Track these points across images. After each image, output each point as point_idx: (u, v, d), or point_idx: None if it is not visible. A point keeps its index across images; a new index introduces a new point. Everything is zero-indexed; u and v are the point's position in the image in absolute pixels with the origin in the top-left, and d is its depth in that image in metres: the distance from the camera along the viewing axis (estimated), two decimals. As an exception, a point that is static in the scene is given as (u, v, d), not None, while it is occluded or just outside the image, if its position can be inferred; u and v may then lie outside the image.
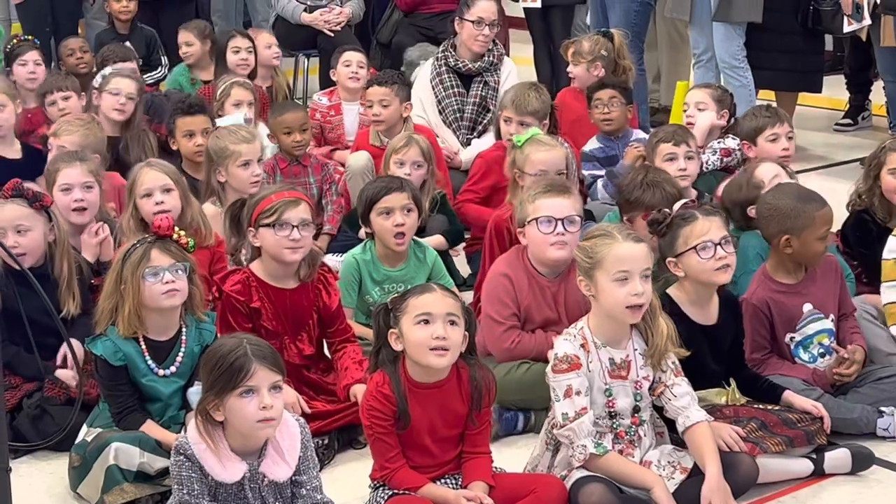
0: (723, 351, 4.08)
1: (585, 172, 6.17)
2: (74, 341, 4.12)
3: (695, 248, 3.94)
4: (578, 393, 3.66)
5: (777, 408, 4.03)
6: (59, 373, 4.29)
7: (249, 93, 6.37)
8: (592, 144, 6.24)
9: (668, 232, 4.01)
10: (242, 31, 7.44)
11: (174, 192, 4.75)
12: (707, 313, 4.04)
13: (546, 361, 3.85)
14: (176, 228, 3.99)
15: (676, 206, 4.13)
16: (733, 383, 4.12)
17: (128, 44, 8.01)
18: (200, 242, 4.68)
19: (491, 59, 6.90)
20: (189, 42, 7.60)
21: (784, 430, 3.92)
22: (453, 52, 6.89)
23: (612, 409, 3.72)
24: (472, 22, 6.84)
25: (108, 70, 6.36)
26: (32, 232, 4.35)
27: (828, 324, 4.32)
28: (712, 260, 3.94)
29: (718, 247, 3.94)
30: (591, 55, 6.57)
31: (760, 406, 4.03)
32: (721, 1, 7.08)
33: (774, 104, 7.57)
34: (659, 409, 3.83)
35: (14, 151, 5.90)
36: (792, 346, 4.30)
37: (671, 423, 3.81)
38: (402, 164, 5.46)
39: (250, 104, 6.31)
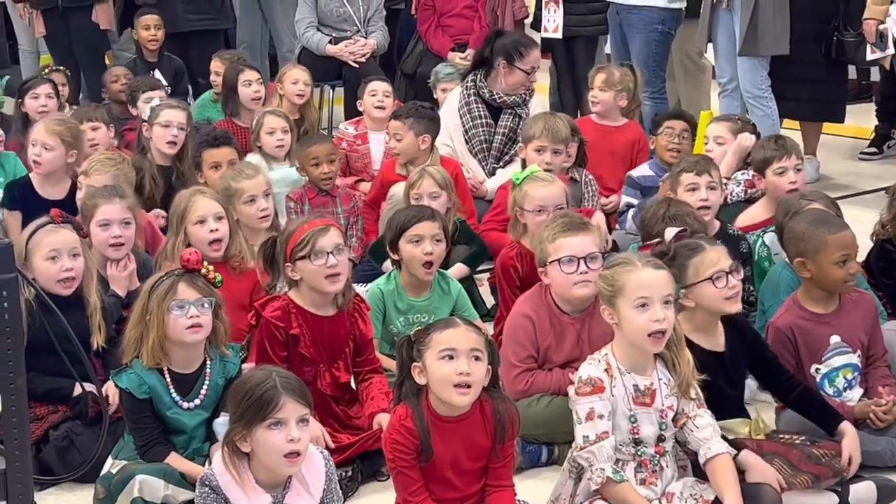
0: (736, 376, 4.06)
1: (624, 198, 6.18)
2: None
3: (710, 278, 3.94)
4: (601, 417, 3.65)
5: (799, 441, 4.00)
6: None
7: (282, 120, 6.44)
8: (643, 171, 6.23)
9: (672, 264, 3.98)
10: (249, 64, 7.50)
11: (225, 220, 4.82)
12: (713, 341, 4.02)
13: (567, 396, 3.84)
14: (205, 263, 4.02)
15: (668, 235, 4.12)
16: (755, 413, 4.11)
17: (157, 72, 8.11)
18: (244, 269, 4.78)
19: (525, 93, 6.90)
20: (217, 71, 7.68)
21: (809, 467, 3.89)
22: (485, 83, 6.87)
23: (636, 436, 3.70)
24: (527, 72, 6.85)
25: (155, 101, 6.39)
26: (81, 257, 4.43)
27: (854, 359, 4.30)
28: (725, 289, 3.94)
29: (729, 276, 3.95)
30: (620, 84, 6.63)
31: (783, 441, 4.01)
32: (747, 36, 7.09)
33: (798, 133, 7.61)
34: (681, 444, 3.81)
35: (60, 191, 5.83)
36: (818, 379, 4.28)
37: (693, 458, 3.79)
38: (420, 198, 5.48)
39: (284, 131, 6.37)
